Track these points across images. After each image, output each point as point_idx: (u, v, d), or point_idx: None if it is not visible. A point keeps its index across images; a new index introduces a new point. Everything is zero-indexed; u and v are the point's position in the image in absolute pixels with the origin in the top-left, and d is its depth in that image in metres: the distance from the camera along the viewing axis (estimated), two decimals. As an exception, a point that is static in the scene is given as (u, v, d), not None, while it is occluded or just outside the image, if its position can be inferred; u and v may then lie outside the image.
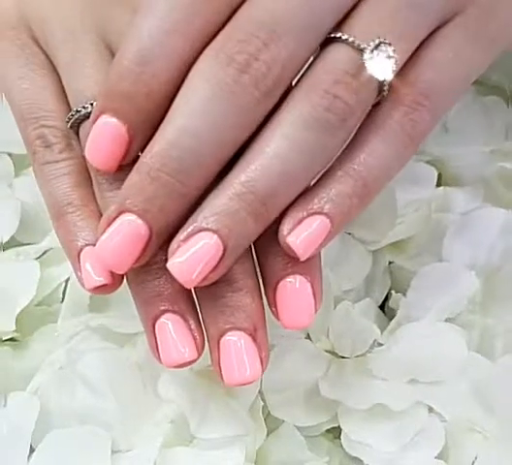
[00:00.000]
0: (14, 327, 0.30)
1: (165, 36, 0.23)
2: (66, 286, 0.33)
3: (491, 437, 0.28)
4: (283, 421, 0.30)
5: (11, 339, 0.31)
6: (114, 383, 0.29)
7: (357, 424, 0.29)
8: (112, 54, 0.27)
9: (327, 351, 0.31)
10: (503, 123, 0.38)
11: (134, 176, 0.24)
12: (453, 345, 0.29)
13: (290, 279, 0.25)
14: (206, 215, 0.23)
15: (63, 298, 0.33)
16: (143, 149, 0.24)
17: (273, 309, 0.25)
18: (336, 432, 0.30)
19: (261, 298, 0.26)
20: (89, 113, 0.26)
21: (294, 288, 0.25)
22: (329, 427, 0.30)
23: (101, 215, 0.26)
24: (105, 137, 0.24)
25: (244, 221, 0.23)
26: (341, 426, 0.29)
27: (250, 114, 0.23)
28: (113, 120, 0.24)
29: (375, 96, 0.24)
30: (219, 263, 0.24)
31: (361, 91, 0.23)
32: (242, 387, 0.29)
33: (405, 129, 0.24)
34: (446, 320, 0.31)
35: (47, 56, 0.29)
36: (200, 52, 0.24)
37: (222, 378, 0.25)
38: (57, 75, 0.28)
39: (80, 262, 0.26)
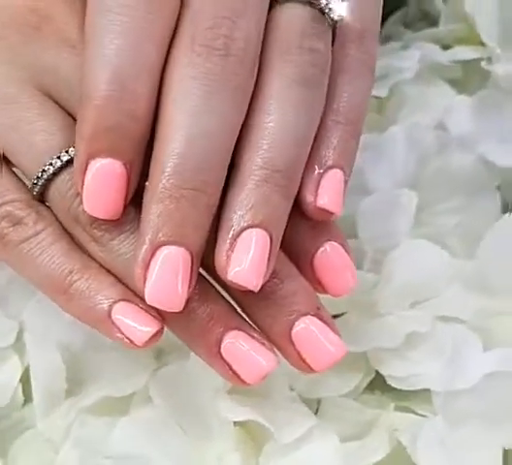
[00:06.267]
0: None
1: (133, 48, 0.22)
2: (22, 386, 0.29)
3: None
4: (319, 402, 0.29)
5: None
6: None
7: (396, 363, 0.28)
8: (54, 102, 0.24)
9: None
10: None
11: (154, 207, 0.22)
12: (434, 255, 0.30)
13: (322, 248, 0.25)
14: (241, 213, 0.22)
15: (25, 401, 0.29)
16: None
17: (316, 285, 0.25)
18: (371, 386, 0.29)
19: (304, 279, 0.25)
20: (57, 171, 0.24)
21: (329, 254, 0.25)
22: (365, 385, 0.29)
23: (107, 270, 0.24)
24: (105, 182, 0.22)
25: (279, 203, 0.23)
26: (382, 372, 0.28)
27: (246, 92, 0.23)
28: (108, 160, 0.22)
29: (332, 39, 0.25)
30: (270, 254, 0.23)
31: (325, 37, 0.24)
32: (273, 384, 0.28)
33: (363, 61, 0.26)
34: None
35: None
36: (165, 59, 0.23)
37: (310, 368, 0.24)
38: None
39: (114, 323, 0.23)
